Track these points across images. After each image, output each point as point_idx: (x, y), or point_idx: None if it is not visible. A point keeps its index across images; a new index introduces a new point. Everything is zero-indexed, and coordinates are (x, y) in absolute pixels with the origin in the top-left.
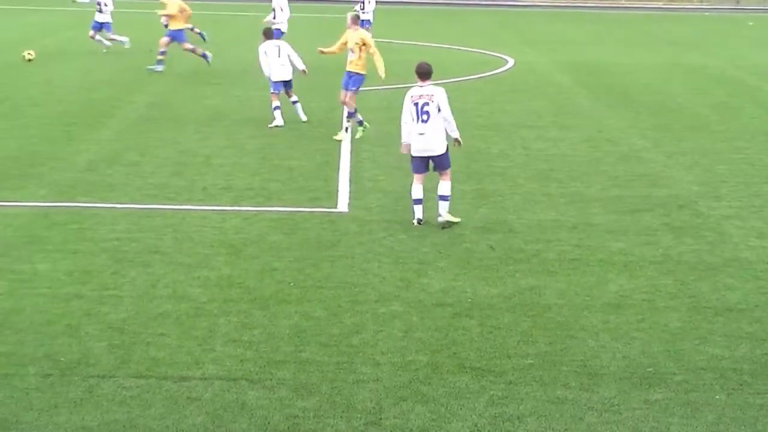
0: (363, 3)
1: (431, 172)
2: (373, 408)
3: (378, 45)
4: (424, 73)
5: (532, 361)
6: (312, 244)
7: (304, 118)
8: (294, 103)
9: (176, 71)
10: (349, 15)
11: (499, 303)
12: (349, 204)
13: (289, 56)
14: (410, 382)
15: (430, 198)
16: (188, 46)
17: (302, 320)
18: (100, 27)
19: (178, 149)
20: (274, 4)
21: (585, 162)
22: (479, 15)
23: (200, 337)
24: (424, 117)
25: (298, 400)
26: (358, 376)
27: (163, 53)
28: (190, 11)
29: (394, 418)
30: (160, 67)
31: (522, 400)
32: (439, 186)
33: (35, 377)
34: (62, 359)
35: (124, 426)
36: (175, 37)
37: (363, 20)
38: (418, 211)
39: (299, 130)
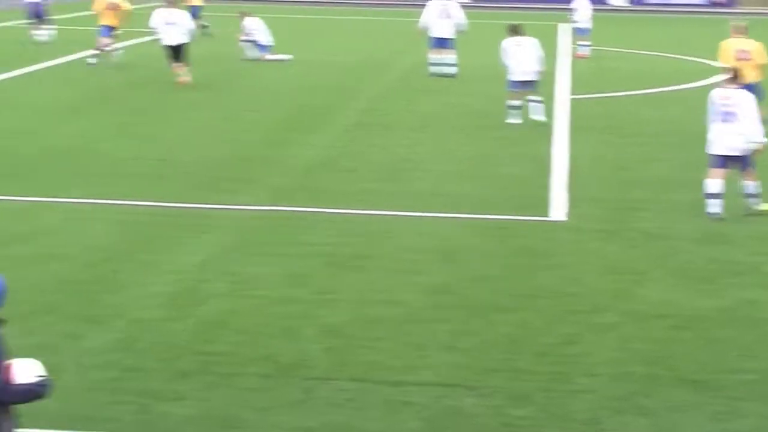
0: (576, 11)
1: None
2: (590, 419)
3: (592, 52)
4: (733, 77)
5: (755, 377)
6: (526, 253)
7: (542, 118)
8: (530, 101)
9: (387, 79)
10: (734, 24)
11: (718, 316)
12: (564, 212)
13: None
14: (628, 394)
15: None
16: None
17: (516, 329)
18: None
19: (391, 155)
20: None
21: None
22: (694, 23)
23: (415, 342)
24: (730, 118)
25: (513, 409)
26: (573, 386)
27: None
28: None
29: (613, 430)
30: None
31: (746, 416)
32: (744, 186)
33: (255, 377)
34: (280, 361)
35: (341, 428)
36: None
37: (577, 29)
38: (712, 206)
39: (512, 137)
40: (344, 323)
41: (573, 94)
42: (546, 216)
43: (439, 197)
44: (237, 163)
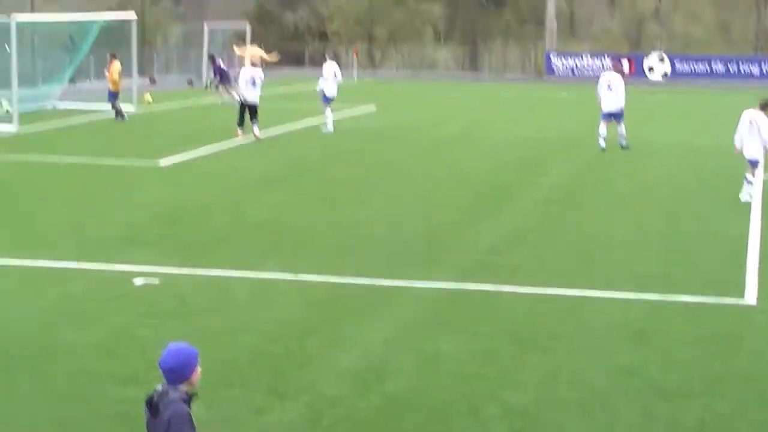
0: None
1: None
2: None
3: None
4: None
5: None
6: (717, 336)
7: (746, 198)
8: (746, 180)
9: (582, 155)
10: None
11: None
12: (757, 296)
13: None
14: None
15: None
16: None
17: (706, 414)
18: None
19: (580, 233)
20: None
21: None
22: None
23: (601, 425)
24: None
25: None
26: None
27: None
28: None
29: None
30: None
31: None
32: None
33: None
34: None
35: None
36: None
37: None
38: None
39: (708, 214)
40: (529, 404)
41: None
42: (739, 298)
43: (629, 276)
44: (426, 238)
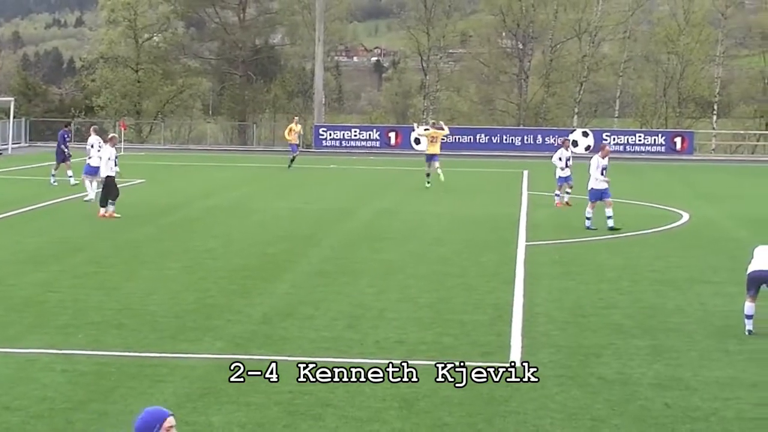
0: (561, 159)
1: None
2: None
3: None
4: None
5: None
6: (484, 399)
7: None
8: None
9: (352, 227)
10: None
11: None
12: (521, 359)
13: None
14: None
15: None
16: None
17: None
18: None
19: (351, 303)
20: None
21: (765, 319)
22: (654, 169)
23: None
24: None
25: None
26: None
27: None
28: None
29: None
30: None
31: None
32: None
33: None
34: None
35: None
36: None
37: (560, 177)
38: (749, 324)
39: (472, 283)
40: None
41: (532, 240)
42: (504, 362)
43: (400, 344)
44: (197, 311)
